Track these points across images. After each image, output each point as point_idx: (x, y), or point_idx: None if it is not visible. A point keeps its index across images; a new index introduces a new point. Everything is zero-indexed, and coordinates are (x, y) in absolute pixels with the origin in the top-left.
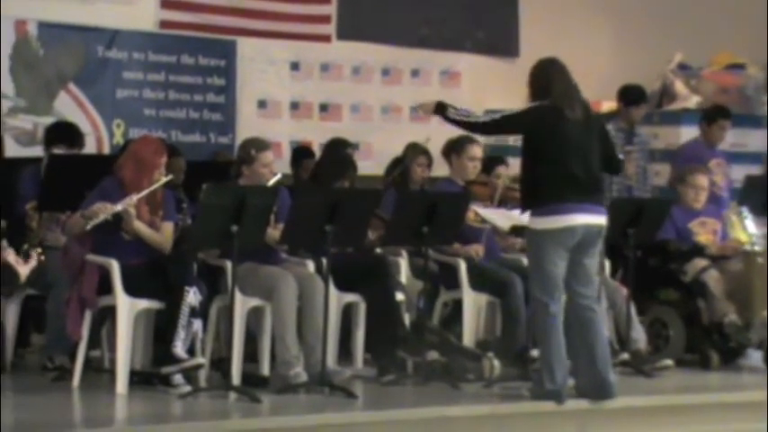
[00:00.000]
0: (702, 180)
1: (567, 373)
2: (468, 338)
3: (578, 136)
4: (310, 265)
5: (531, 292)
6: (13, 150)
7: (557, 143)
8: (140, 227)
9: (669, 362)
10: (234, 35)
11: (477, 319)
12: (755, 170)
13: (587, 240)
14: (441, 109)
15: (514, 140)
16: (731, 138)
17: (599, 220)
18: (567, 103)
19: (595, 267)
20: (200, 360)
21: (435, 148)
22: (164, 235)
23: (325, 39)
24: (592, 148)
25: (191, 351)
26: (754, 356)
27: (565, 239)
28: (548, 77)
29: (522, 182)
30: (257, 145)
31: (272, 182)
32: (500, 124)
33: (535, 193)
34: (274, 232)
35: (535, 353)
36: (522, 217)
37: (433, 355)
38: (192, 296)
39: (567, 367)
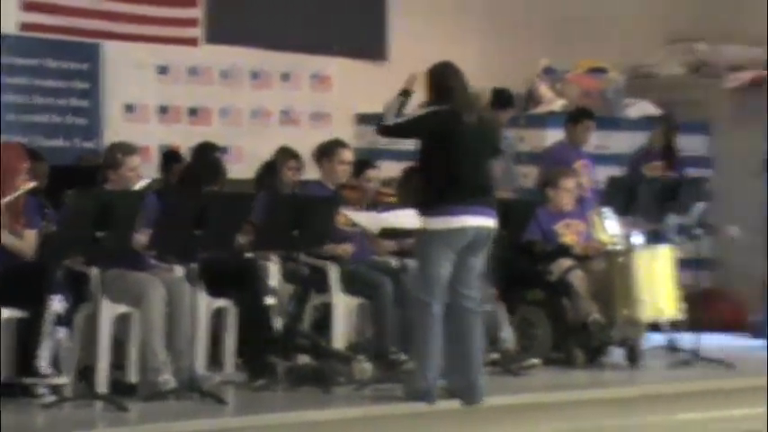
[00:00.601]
0: (570, 183)
1: (438, 373)
2: (339, 341)
3: (473, 140)
4: (179, 271)
5: (413, 291)
6: None
7: (453, 147)
8: (2, 234)
9: (536, 361)
10: (98, 38)
11: (347, 322)
12: (618, 171)
13: (476, 242)
14: (405, 93)
15: (386, 143)
16: (594, 140)
17: (489, 222)
18: (465, 107)
19: (480, 270)
20: (62, 380)
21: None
22: (26, 242)
23: (193, 42)
24: (484, 152)
25: (56, 360)
26: (617, 354)
27: (455, 241)
28: (449, 81)
29: (419, 183)
30: (124, 149)
31: (138, 186)
32: (404, 128)
33: (429, 195)
34: (142, 237)
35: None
36: (392, 219)
37: (303, 358)
38: (57, 304)
39: (439, 368)
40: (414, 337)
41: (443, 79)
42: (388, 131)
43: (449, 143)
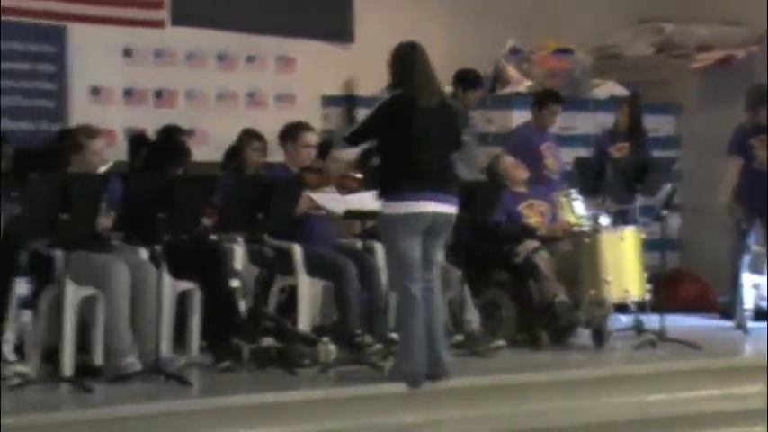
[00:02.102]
0: (509, 161)
1: (425, 356)
2: (304, 324)
3: (431, 125)
4: (143, 253)
5: (391, 277)
6: None
7: (409, 132)
8: None
9: (502, 342)
10: (64, 21)
11: (312, 305)
12: (584, 152)
13: (436, 228)
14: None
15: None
16: (561, 121)
17: (449, 209)
18: (422, 91)
19: (439, 254)
20: (26, 368)
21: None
22: None
23: (159, 24)
24: (445, 136)
25: (21, 343)
26: (584, 335)
27: (414, 224)
28: (407, 64)
29: (378, 169)
30: (86, 132)
31: (102, 169)
32: (360, 133)
33: (387, 180)
34: (106, 220)
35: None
36: (356, 202)
37: (268, 341)
38: (21, 287)
39: (425, 351)
40: (399, 321)
41: (402, 61)
42: (350, 142)
43: (404, 128)
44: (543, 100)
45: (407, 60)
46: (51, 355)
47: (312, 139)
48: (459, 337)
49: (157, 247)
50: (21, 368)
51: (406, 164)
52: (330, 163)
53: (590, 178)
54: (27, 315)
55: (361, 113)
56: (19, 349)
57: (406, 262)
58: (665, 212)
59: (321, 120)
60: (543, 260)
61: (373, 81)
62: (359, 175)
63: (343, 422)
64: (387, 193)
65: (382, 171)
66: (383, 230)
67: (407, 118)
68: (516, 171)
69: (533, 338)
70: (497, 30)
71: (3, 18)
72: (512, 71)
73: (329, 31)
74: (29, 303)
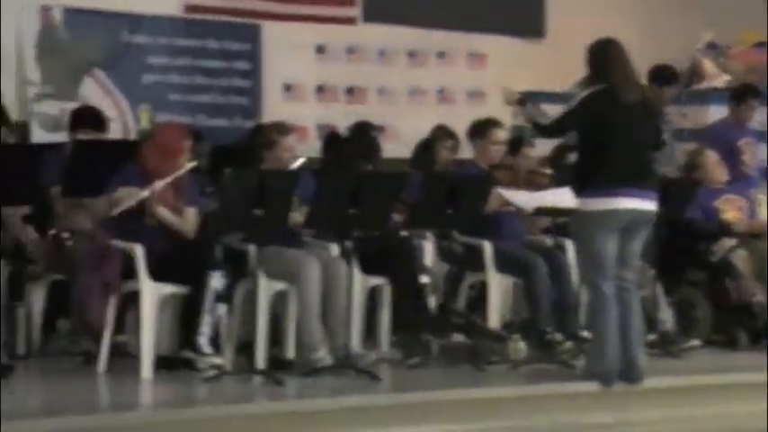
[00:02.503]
0: (713, 157)
1: (617, 354)
2: (494, 321)
3: (632, 120)
4: (334, 249)
5: (582, 274)
6: (38, 136)
7: (608, 128)
8: (164, 213)
9: (696, 342)
10: (259, 19)
11: (502, 301)
12: None
13: (634, 225)
14: (521, 102)
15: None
16: (759, 116)
17: (648, 206)
18: (623, 87)
19: (638, 253)
20: (220, 360)
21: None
22: (187, 220)
23: (351, 21)
24: (645, 132)
25: (216, 336)
26: None
27: (611, 222)
28: (606, 59)
29: (575, 164)
30: (279, 129)
31: (294, 165)
32: (560, 124)
33: (585, 176)
34: (298, 216)
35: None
36: (548, 198)
37: (458, 337)
38: (217, 281)
39: (617, 349)
40: (590, 319)
41: (601, 57)
42: (545, 131)
43: (604, 124)
44: (742, 95)
45: (604, 55)
46: (245, 348)
47: (501, 135)
48: (653, 337)
49: (348, 243)
50: (216, 360)
51: (604, 159)
52: (520, 159)
53: None
54: (222, 308)
55: (551, 109)
56: (214, 342)
57: (600, 259)
58: None
59: (511, 116)
60: (741, 259)
61: (565, 77)
62: (549, 171)
63: (534, 420)
64: (584, 189)
65: (580, 167)
66: (577, 227)
67: (606, 113)
68: (717, 169)
69: (730, 339)
70: (693, 24)
71: (198, 16)
72: (708, 66)
73: (520, 26)
74: (223, 297)
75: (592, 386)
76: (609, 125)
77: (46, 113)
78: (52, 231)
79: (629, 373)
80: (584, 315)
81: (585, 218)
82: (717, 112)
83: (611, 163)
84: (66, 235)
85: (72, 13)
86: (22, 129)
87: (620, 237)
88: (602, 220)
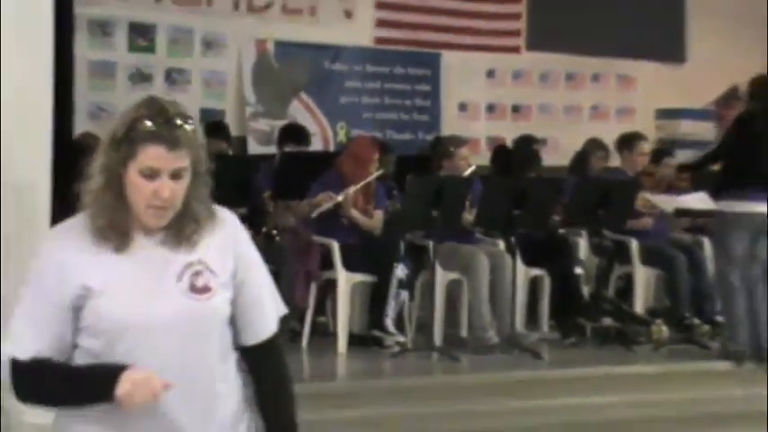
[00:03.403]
0: None
1: (749, 336)
2: (640, 307)
3: None
4: (501, 244)
5: (716, 265)
6: (253, 149)
7: (752, 139)
8: (355, 214)
9: None
10: (438, 49)
11: (647, 291)
12: None
13: (763, 227)
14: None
15: (682, 134)
16: None
17: None
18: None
19: (765, 250)
20: (403, 338)
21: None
22: (375, 220)
23: (516, 50)
24: None
25: (400, 317)
26: None
27: (746, 222)
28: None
29: (719, 170)
30: (455, 142)
31: (467, 173)
32: (717, 152)
33: (726, 179)
34: (469, 216)
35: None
36: (684, 201)
37: (608, 321)
38: (400, 271)
39: (747, 333)
40: (722, 305)
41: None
42: (711, 160)
43: (748, 142)
44: None
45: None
46: (424, 328)
47: (646, 147)
48: None
49: (512, 239)
50: (400, 338)
51: (747, 164)
52: (663, 168)
53: None
54: (404, 294)
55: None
56: (398, 323)
57: (732, 254)
58: None
59: (655, 130)
60: None
61: (702, 96)
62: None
63: (676, 394)
64: (725, 192)
65: (723, 172)
66: (717, 225)
67: (752, 134)
68: None
69: None
70: None
71: (387, 47)
72: None
73: (665, 52)
74: (406, 284)
75: (726, 365)
76: (754, 137)
77: (260, 130)
78: (264, 229)
79: (758, 352)
80: (719, 303)
81: (724, 218)
82: None
83: (754, 168)
84: (275, 232)
85: (282, 46)
86: (242, 142)
87: (751, 237)
88: (738, 221)
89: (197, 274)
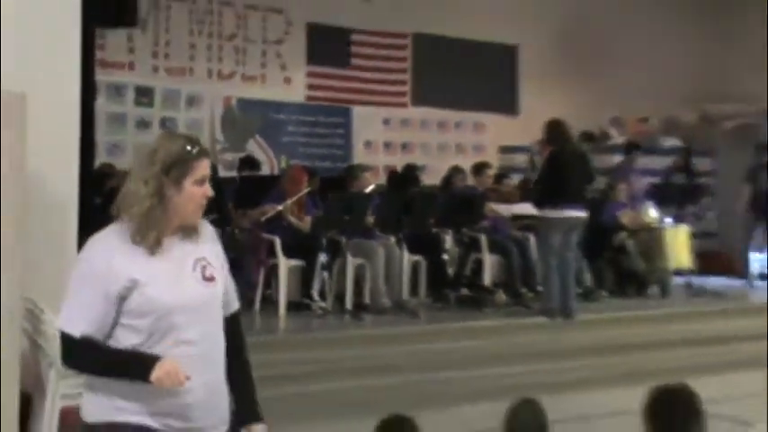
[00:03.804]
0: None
1: (558, 297)
2: (487, 281)
3: (574, 161)
4: (392, 239)
5: (539, 253)
6: (222, 173)
7: (560, 173)
8: (292, 219)
9: (605, 293)
10: (350, 104)
11: (491, 270)
12: (653, 181)
13: (573, 227)
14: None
15: (517, 164)
16: (642, 161)
17: (580, 214)
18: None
19: (574, 241)
20: (324, 304)
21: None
22: (305, 223)
23: (404, 105)
24: (581, 167)
25: (322, 290)
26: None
27: (560, 224)
28: (559, 130)
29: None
30: (361, 168)
31: (368, 189)
32: (539, 177)
33: (544, 196)
34: (370, 220)
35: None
36: (517, 209)
37: (465, 291)
38: (323, 258)
39: (558, 294)
40: (542, 278)
41: (554, 129)
42: (537, 184)
43: (557, 169)
44: (631, 149)
45: (558, 128)
46: (340, 298)
47: (491, 172)
48: (580, 290)
49: (401, 236)
50: (322, 304)
51: (556, 187)
52: (503, 186)
53: (661, 195)
54: (325, 274)
55: (521, 157)
56: (321, 294)
57: (551, 246)
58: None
59: (498, 160)
60: (631, 245)
61: (531, 137)
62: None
63: (511, 340)
64: (544, 203)
65: (542, 191)
66: (541, 226)
67: (563, 161)
68: (620, 193)
69: (623, 291)
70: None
71: (314, 103)
72: (612, 131)
73: (506, 107)
74: (326, 267)
75: (543, 319)
76: (564, 167)
77: (226, 160)
78: (228, 229)
79: (566, 309)
80: (540, 277)
81: (546, 222)
82: (618, 159)
83: (560, 188)
84: (236, 231)
85: (242, 102)
86: (213, 169)
87: (565, 233)
88: (555, 224)
89: (204, 267)
